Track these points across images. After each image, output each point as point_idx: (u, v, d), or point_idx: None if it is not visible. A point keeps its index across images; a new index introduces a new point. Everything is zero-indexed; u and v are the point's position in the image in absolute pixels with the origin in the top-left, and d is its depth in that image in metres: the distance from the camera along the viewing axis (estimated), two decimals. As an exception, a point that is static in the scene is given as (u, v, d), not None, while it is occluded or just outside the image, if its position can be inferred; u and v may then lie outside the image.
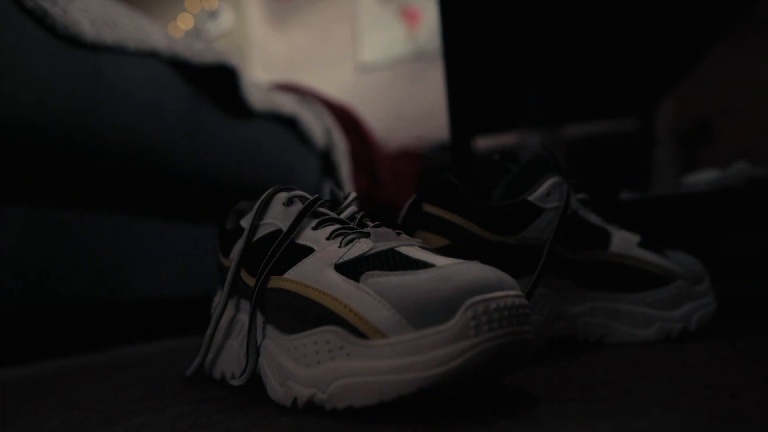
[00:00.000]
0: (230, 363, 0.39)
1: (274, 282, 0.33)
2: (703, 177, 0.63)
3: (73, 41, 0.66)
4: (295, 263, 0.32)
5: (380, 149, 1.50)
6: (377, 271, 0.29)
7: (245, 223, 0.38)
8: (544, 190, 0.44)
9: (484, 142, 1.61)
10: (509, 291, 0.26)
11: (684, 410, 0.24)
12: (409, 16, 2.76)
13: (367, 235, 0.32)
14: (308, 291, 0.30)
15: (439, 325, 0.25)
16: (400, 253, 0.30)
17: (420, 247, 0.32)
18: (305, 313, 0.29)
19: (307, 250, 0.33)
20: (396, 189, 1.47)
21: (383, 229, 0.34)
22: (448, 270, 0.27)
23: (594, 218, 0.47)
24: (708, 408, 0.24)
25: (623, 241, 0.46)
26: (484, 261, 0.42)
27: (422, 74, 2.71)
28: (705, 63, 1.12)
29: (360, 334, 0.26)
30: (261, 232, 0.36)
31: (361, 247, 0.31)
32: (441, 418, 0.26)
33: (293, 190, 0.38)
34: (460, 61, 0.69)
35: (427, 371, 0.24)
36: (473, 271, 0.27)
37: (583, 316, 0.45)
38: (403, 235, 0.34)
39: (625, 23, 0.89)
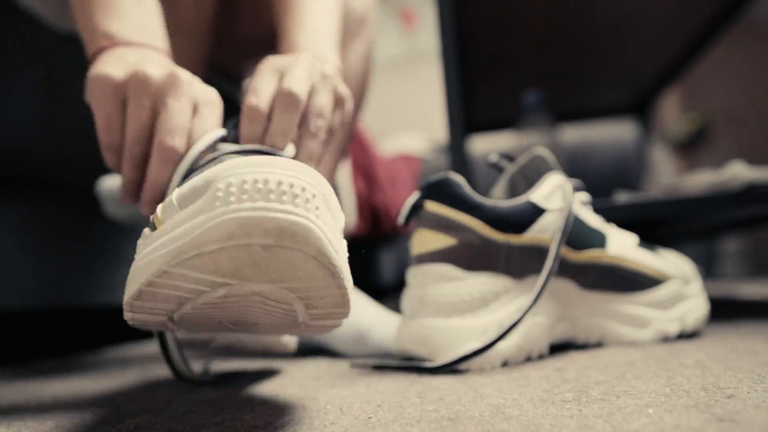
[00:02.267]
0: None
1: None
2: (700, 179, 0.63)
3: (75, 41, 0.65)
4: None
5: (377, 150, 1.50)
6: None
7: None
8: (547, 190, 0.44)
9: (481, 143, 1.61)
10: (279, 169, 0.23)
11: (680, 411, 0.24)
12: (405, 16, 2.77)
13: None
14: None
15: (196, 201, 0.24)
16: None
17: None
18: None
19: None
20: (393, 190, 1.47)
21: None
22: (230, 159, 0.28)
23: (593, 219, 0.47)
24: (704, 409, 0.24)
25: (621, 242, 0.47)
26: (491, 261, 0.42)
27: (419, 74, 2.71)
28: (702, 65, 1.13)
29: (154, 228, 0.26)
30: None
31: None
32: (437, 420, 0.26)
33: None
34: (457, 61, 0.69)
35: (172, 245, 0.23)
36: (255, 156, 0.24)
37: (584, 318, 0.45)
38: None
39: (621, 24, 0.90)
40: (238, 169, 0.23)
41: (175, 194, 0.25)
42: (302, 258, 0.23)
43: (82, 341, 0.82)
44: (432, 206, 0.42)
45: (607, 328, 0.46)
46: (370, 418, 0.27)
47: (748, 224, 0.93)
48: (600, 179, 1.49)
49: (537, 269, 0.42)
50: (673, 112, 2.83)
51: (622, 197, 0.61)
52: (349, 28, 0.65)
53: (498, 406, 0.27)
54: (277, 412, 0.30)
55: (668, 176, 1.96)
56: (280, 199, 0.22)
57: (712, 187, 0.59)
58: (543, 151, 0.47)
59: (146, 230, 0.27)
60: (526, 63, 1.05)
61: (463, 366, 0.39)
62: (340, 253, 0.25)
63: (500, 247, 0.41)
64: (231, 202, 0.22)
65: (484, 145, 1.66)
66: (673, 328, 0.46)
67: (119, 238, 0.78)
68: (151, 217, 0.27)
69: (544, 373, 0.35)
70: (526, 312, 0.39)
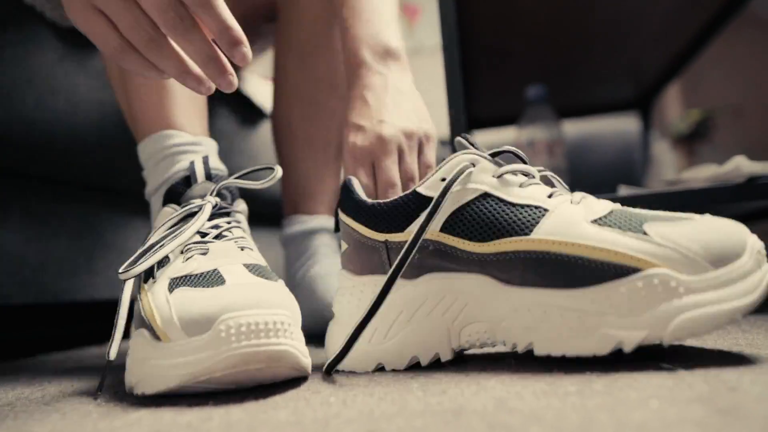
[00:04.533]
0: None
1: (143, 287, 0.40)
2: (702, 172, 0.63)
3: (77, 38, 0.65)
4: (159, 269, 0.39)
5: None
6: (189, 287, 0.35)
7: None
8: (439, 176, 0.38)
9: (483, 138, 1.61)
10: (263, 309, 0.32)
11: (682, 404, 0.24)
12: (408, 11, 2.76)
13: (205, 252, 0.39)
14: (143, 299, 0.37)
15: (202, 334, 0.32)
16: (218, 273, 0.37)
17: (246, 265, 0.38)
18: (136, 317, 0.37)
19: (168, 260, 0.40)
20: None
21: (226, 246, 0.40)
22: (226, 289, 0.34)
23: (528, 196, 0.37)
24: (706, 402, 0.24)
25: (564, 220, 0.35)
26: (374, 262, 0.40)
27: (421, 69, 2.70)
28: (704, 59, 1.13)
29: (157, 338, 0.34)
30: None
31: (192, 265, 0.38)
32: (441, 413, 0.26)
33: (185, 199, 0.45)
34: (459, 56, 0.69)
35: (187, 369, 0.32)
36: (241, 290, 0.34)
37: (508, 320, 0.37)
38: (246, 251, 0.40)
39: (624, 19, 0.89)
40: (234, 313, 0.31)
41: (177, 318, 0.33)
42: (284, 371, 0.34)
43: (86, 335, 0.82)
44: (340, 213, 0.43)
45: (537, 334, 0.35)
46: (373, 410, 0.27)
47: (750, 218, 0.93)
48: (602, 174, 1.49)
49: (434, 267, 0.38)
50: (674, 107, 2.82)
51: (623, 192, 0.61)
52: None
53: (501, 398, 0.28)
54: (280, 404, 0.30)
55: (670, 171, 1.95)
56: (267, 335, 0.32)
57: (714, 179, 0.59)
58: (464, 136, 0.40)
59: (146, 332, 0.35)
60: (529, 58, 1.05)
61: (339, 367, 0.39)
62: (303, 350, 0.35)
63: (380, 247, 0.40)
64: (232, 341, 0.31)
65: (487, 140, 1.66)
66: (633, 337, 0.32)
67: (124, 233, 0.79)
68: (147, 320, 0.35)
69: (547, 366, 0.35)
70: (366, 316, 0.36)
